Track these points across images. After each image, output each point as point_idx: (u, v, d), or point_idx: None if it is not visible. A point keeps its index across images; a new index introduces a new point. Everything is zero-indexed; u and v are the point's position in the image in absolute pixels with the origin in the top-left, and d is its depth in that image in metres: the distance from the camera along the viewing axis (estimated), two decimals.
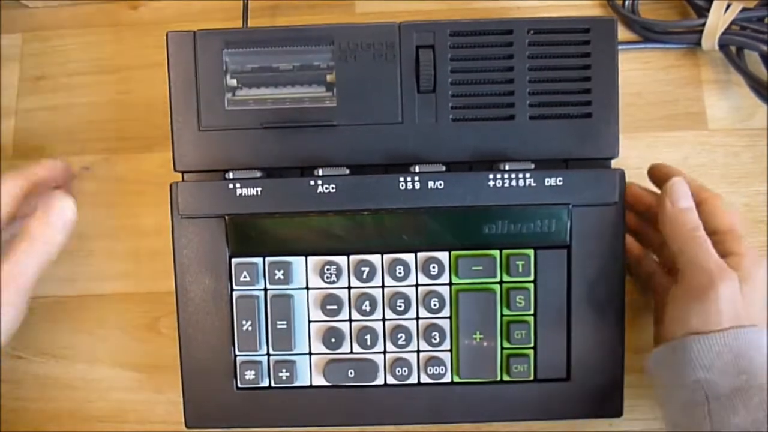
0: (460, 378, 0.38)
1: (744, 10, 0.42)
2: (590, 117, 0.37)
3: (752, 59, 0.43)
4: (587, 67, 0.37)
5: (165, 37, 0.38)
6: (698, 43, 0.44)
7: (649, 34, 0.45)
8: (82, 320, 0.45)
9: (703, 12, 0.43)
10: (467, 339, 0.37)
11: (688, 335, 0.33)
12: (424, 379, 0.38)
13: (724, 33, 0.43)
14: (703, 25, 0.43)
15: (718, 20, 0.42)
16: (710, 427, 0.32)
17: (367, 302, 0.38)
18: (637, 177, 0.41)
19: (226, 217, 0.37)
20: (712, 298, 0.33)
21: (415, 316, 0.38)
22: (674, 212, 0.35)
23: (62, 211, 0.37)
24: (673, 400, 0.35)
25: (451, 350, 0.38)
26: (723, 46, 0.43)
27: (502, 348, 0.38)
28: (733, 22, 0.43)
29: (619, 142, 0.37)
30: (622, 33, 0.45)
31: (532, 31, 0.37)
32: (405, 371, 0.38)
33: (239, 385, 0.38)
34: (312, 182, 0.37)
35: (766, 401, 0.31)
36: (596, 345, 0.38)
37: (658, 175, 0.39)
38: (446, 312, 0.38)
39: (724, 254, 0.34)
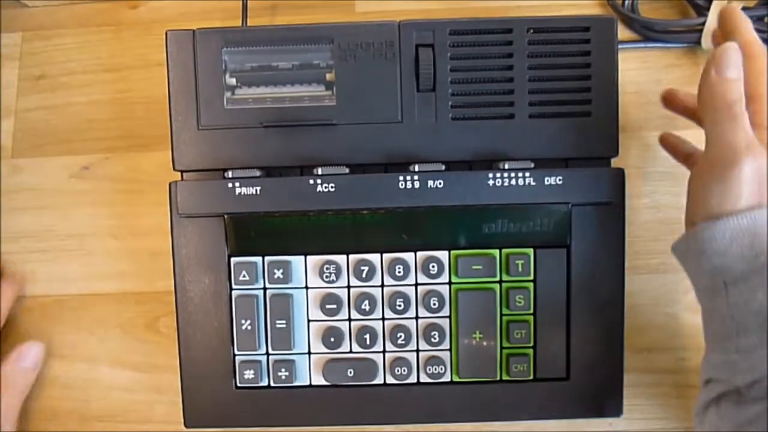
0: (459, 377, 0.38)
1: (744, 9, 0.42)
2: (590, 116, 0.37)
3: None
4: (587, 67, 0.37)
5: (164, 36, 0.38)
6: (698, 43, 0.44)
7: (648, 33, 0.45)
8: (82, 320, 0.45)
9: (702, 11, 0.43)
10: (467, 338, 0.37)
11: (702, 223, 0.31)
12: (424, 378, 0.38)
13: None
14: (703, 24, 0.43)
15: (717, 18, 0.42)
16: (729, 314, 0.30)
17: (366, 302, 0.38)
18: (638, 177, 0.41)
19: (226, 217, 0.37)
20: (733, 176, 0.30)
21: (414, 315, 0.38)
22: (717, 81, 0.31)
23: (35, 357, 0.43)
24: (697, 287, 0.33)
25: (450, 350, 0.38)
26: None
27: (502, 347, 0.38)
28: None
29: (619, 142, 0.37)
30: (622, 32, 0.44)
31: (531, 31, 0.37)
32: (404, 371, 0.38)
33: (238, 385, 0.38)
34: (311, 181, 0.37)
35: None
36: (596, 344, 0.37)
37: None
38: (446, 311, 0.38)
39: (753, 125, 0.31)
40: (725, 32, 0.35)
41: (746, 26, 0.34)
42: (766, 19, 0.43)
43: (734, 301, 0.30)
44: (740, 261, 0.30)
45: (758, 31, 0.42)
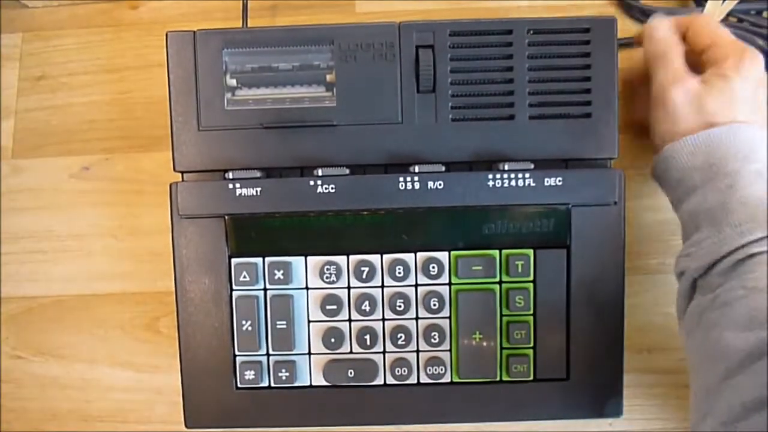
0: (459, 378, 0.38)
1: (743, 1, 0.42)
2: (590, 117, 0.37)
3: None
4: (587, 67, 0.37)
5: (165, 37, 0.38)
6: None
7: (646, 20, 0.44)
8: (82, 320, 0.45)
9: (702, 2, 0.43)
10: (467, 339, 0.37)
11: (665, 146, 0.36)
12: (424, 379, 0.38)
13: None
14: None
15: (715, 10, 0.42)
16: (689, 218, 0.35)
17: (366, 302, 0.38)
18: (637, 178, 0.41)
19: (226, 217, 0.37)
20: (669, 105, 0.36)
21: (414, 316, 0.38)
22: (652, 44, 0.37)
23: None
24: (671, 202, 0.38)
25: (450, 350, 0.38)
26: None
27: (502, 348, 0.38)
28: (730, 14, 0.43)
29: (619, 142, 0.37)
30: (621, 21, 0.44)
31: (531, 31, 0.37)
32: (405, 371, 0.38)
33: (239, 385, 0.38)
34: (312, 182, 0.37)
35: (732, 185, 0.33)
36: (596, 345, 0.38)
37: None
38: (446, 312, 0.38)
39: (713, 65, 0.36)
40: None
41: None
42: (764, 14, 0.43)
43: (692, 207, 0.35)
44: (697, 172, 0.35)
45: (756, 25, 0.42)
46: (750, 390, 0.28)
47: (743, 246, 0.32)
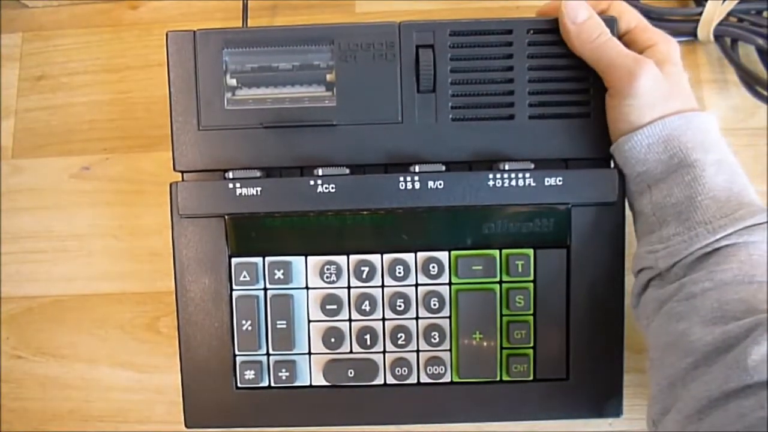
0: (459, 378, 0.38)
1: (743, 1, 0.42)
2: (589, 117, 0.37)
3: (744, 52, 0.44)
4: (587, 67, 0.37)
5: (165, 37, 0.38)
6: (694, 34, 0.43)
7: (646, 19, 0.44)
8: (82, 320, 0.45)
9: (702, 2, 0.43)
10: (467, 339, 0.37)
11: (621, 137, 0.35)
12: (424, 378, 0.38)
13: (720, 24, 0.42)
14: (700, 14, 0.43)
15: (715, 10, 0.42)
16: (652, 212, 0.35)
17: (366, 302, 0.38)
18: None
19: (226, 217, 0.37)
20: (634, 92, 0.34)
21: (414, 315, 0.38)
22: (577, 29, 0.36)
23: None
24: (628, 193, 0.37)
25: (450, 350, 0.38)
26: (719, 37, 0.43)
27: (502, 348, 0.38)
28: (731, 14, 0.43)
29: None
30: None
31: (531, 31, 0.37)
32: (405, 371, 0.38)
33: (239, 385, 0.38)
34: (312, 182, 0.37)
35: (696, 177, 0.33)
36: (596, 345, 0.38)
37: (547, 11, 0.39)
38: (446, 312, 0.38)
39: (640, 49, 0.36)
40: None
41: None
42: (765, 14, 0.43)
43: (656, 200, 0.34)
44: (658, 164, 0.34)
45: (756, 24, 0.42)
46: (717, 383, 0.28)
47: (713, 242, 0.32)
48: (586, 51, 0.36)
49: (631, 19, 0.37)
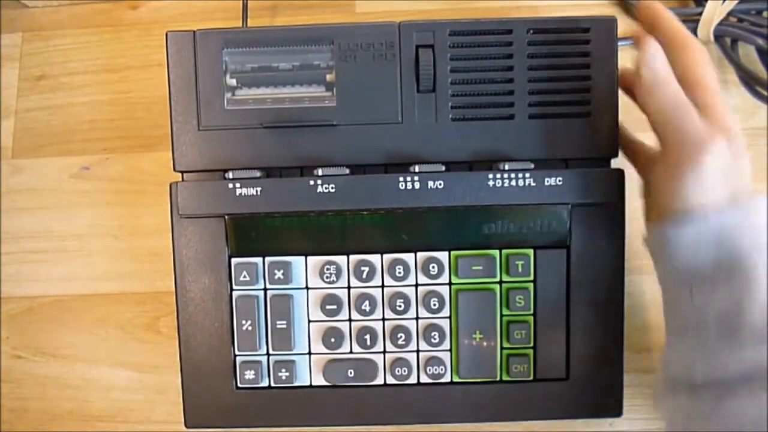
0: (459, 378, 0.38)
1: (743, 1, 0.42)
2: (590, 116, 0.37)
3: (744, 52, 0.44)
4: (587, 67, 0.37)
5: (165, 37, 0.38)
6: (694, 34, 0.43)
7: None
8: (82, 320, 0.45)
9: (702, 2, 0.43)
10: (467, 339, 0.37)
11: (670, 223, 0.32)
12: (424, 378, 0.38)
13: (720, 24, 0.42)
14: (700, 14, 0.43)
15: (715, 10, 0.42)
16: (692, 312, 0.31)
17: (366, 302, 0.38)
18: (637, 177, 0.41)
19: (226, 217, 0.37)
20: (702, 167, 0.30)
21: (414, 316, 0.38)
22: (652, 82, 0.32)
23: None
24: (662, 277, 0.34)
25: (450, 350, 0.38)
26: (719, 37, 0.43)
27: (502, 348, 0.38)
28: (731, 14, 0.43)
29: (619, 142, 0.37)
30: (621, 21, 0.44)
31: (531, 31, 0.37)
32: (405, 371, 0.38)
33: (239, 385, 0.38)
34: (312, 182, 0.37)
35: (749, 282, 0.29)
36: (596, 345, 0.37)
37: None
38: (446, 312, 0.38)
39: (702, 116, 0.31)
40: (647, 27, 0.35)
41: (667, 17, 0.34)
42: (765, 14, 0.43)
43: (698, 302, 0.31)
44: (705, 264, 0.31)
45: (756, 24, 0.42)
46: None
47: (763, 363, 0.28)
48: (656, 108, 0.32)
49: (697, 74, 0.32)
